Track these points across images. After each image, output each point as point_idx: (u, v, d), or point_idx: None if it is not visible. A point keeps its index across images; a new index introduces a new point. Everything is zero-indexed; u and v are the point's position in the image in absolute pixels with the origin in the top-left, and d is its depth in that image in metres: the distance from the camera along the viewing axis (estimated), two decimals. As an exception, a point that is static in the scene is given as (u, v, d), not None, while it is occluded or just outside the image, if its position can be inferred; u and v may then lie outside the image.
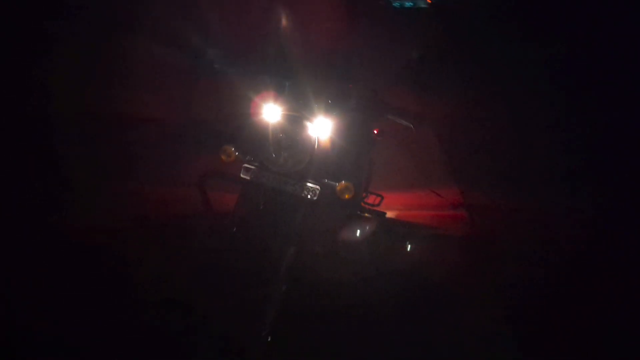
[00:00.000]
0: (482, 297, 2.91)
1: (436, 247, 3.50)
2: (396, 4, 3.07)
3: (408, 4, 3.07)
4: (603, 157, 2.73)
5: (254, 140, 2.19)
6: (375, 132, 2.76)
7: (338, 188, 2.14)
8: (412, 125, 2.28)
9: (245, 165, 2.19)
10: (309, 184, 2.13)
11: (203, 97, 3.05)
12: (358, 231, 2.88)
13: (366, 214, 3.00)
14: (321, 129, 2.17)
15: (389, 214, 3.46)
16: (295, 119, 2.14)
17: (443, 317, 2.67)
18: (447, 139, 3.57)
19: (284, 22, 2.59)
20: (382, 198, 3.31)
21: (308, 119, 2.14)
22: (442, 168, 3.81)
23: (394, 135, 2.95)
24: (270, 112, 2.16)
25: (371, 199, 3.29)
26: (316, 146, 2.14)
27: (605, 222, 2.70)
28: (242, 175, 2.19)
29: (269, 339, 2.11)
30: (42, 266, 2.31)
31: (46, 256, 2.37)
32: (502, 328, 2.52)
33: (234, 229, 2.20)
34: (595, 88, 2.75)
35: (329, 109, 2.18)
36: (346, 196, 2.15)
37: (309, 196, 2.13)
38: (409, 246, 3.43)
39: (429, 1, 3.08)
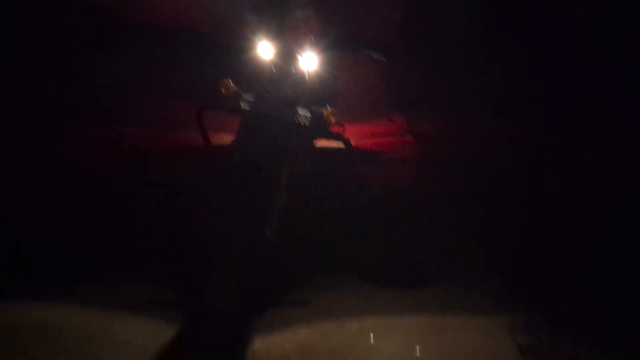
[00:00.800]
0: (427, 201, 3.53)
1: (389, 167, 4.06)
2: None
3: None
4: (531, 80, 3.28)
5: (251, 74, 2.51)
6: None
7: (325, 114, 2.54)
8: (383, 59, 2.69)
9: (244, 96, 2.51)
10: (301, 111, 2.51)
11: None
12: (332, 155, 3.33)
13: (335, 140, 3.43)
14: (308, 62, 2.53)
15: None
16: (287, 54, 2.48)
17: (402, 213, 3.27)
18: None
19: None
20: (344, 127, 3.75)
21: (298, 54, 2.49)
22: (391, 97, 4.26)
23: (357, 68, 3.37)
24: (265, 49, 2.49)
25: (334, 129, 3.72)
26: (306, 78, 2.51)
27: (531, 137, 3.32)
28: (241, 106, 2.52)
29: (272, 237, 2.55)
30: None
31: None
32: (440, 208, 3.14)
33: (237, 154, 2.55)
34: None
35: (313, 45, 2.54)
36: (332, 120, 2.56)
37: (301, 122, 2.51)
38: (368, 167, 3.95)
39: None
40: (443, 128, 4.36)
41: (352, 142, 4.06)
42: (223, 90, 2.52)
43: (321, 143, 3.45)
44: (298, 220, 2.89)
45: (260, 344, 2.36)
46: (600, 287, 2.66)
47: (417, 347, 2.33)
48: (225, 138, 2.89)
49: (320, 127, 2.84)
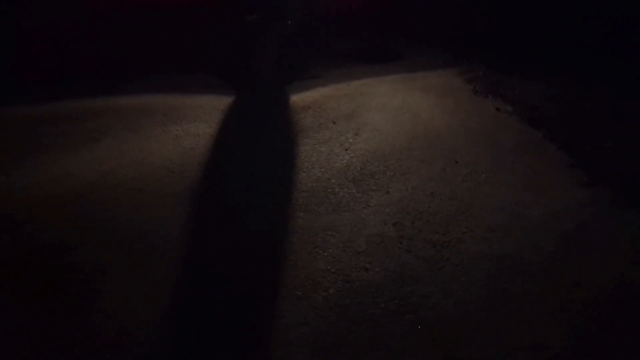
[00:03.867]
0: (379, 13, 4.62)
1: None
2: None
3: None
4: None
5: None
6: None
7: None
8: None
9: None
10: None
11: None
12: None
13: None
14: None
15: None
16: None
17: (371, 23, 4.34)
18: None
19: None
20: None
21: None
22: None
23: None
24: None
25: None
26: None
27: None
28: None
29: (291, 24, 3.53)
30: None
31: None
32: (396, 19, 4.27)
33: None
34: None
35: None
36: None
37: None
38: None
39: None
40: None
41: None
42: None
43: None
44: (303, 27, 3.89)
45: (296, 97, 3.44)
46: (512, 45, 3.95)
47: (399, 86, 3.50)
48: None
49: None
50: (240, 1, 3.61)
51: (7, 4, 3.77)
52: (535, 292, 1.88)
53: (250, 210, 2.36)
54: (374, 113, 3.15)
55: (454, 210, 2.34)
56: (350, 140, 2.91)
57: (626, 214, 2.23)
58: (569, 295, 1.86)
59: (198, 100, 3.39)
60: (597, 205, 2.29)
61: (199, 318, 1.80)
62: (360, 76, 3.67)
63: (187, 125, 3.09)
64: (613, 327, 1.71)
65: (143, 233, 2.19)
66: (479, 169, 2.62)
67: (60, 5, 3.82)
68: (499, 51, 3.85)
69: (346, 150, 2.82)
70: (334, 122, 3.07)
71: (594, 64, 3.43)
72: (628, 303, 1.81)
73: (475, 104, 3.22)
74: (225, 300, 1.89)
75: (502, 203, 2.36)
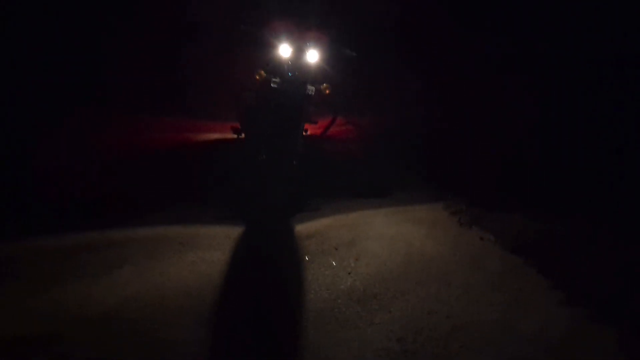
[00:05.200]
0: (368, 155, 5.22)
1: (342, 143, 5.75)
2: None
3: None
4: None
5: (276, 65, 4.05)
6: None
7: (322, 87, 4.13)
8: (354, 54, 4.33)
9: (273, 79, 4.02)
10: (309, 86, 4.08)
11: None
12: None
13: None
14: (312, 56, 4.12)
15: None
16: (299, 51, 4.05)
17: (362, 163, 4.92)
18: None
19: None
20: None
21: (306, 52, 4.07)
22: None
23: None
24: (285, 49, 4.04)
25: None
26: (312, 67, 4.09)
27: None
28: (272, 85, 4.02)
29: (295, 163, 4.04)
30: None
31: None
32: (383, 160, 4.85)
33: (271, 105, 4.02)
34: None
35: (313, 46, 4.13)
36: (327, 92, 4.14)
37: (309, 93, 4.07)
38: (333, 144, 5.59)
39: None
40: (367, 121, 6.35)
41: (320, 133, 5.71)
42: (257, 77, 4.03)
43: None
44: (304, 167, 4.42)
45: (300, 227, 3.81)
46: (491, 184, 4.48)
47: (393, 218, 3.93)
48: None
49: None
50: (251, 143, 4.16)
51: (27, 143, 4.25)
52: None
53: (264, 330, 2.59)
54: (372, 241, 3.51)
55: (450, 327, 2.60)
56: (352, 264, 3.22)
57: (602, 329, 2.52)
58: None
59: (211, 230, 3.73)
60: (576, 321, 2.58)
61: None
62: (356, 209, 4.09)
63: (202, 253, 3.39)
64: None
65: (167, 352, 2.39)
66: (470, 290, 2.93)
67: (76, 147, 4.32)
68: (479, 186, 4.36)
69: (349, 273, 3.12)
70: (336, 249, 3.41)
71: (567, 197, 3.92)
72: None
73: (462, 234, 3.62)
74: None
75: (493, 320, 2.63)
